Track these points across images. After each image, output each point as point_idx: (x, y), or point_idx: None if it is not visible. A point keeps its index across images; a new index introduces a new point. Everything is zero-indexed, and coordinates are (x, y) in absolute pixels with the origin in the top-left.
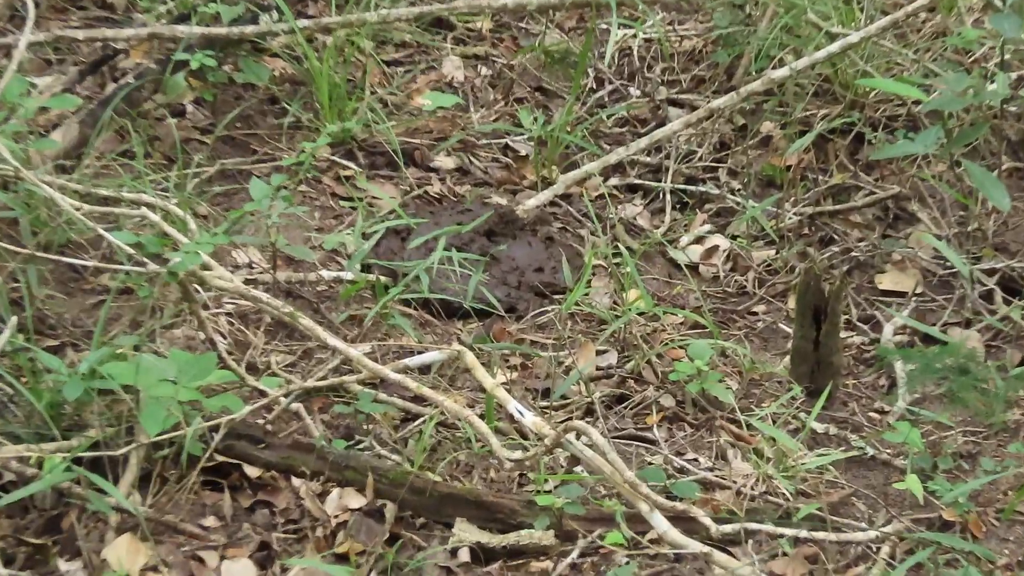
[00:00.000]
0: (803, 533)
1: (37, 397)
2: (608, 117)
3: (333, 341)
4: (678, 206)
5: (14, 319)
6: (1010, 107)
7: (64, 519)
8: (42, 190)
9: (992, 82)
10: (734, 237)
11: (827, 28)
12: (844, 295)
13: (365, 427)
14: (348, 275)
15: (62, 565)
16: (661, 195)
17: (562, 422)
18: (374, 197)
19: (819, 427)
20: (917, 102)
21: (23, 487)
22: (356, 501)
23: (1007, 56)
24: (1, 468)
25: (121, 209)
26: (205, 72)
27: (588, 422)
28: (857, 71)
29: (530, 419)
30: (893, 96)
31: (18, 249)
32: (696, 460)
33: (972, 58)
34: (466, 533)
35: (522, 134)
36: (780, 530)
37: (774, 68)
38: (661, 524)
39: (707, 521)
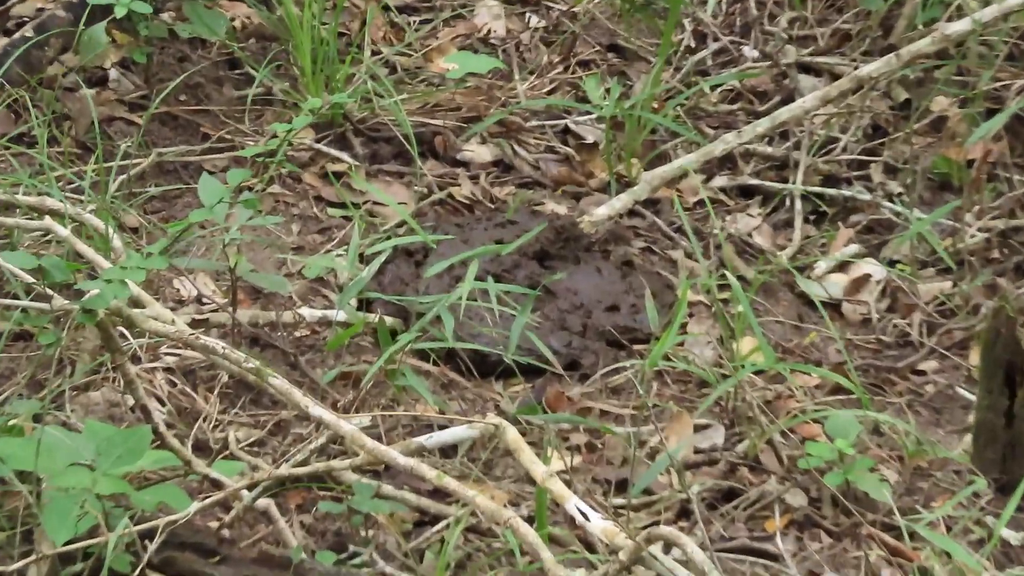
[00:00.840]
0: None
1: None
2: (712, 89)
3: (317, 410)
4: (812, 218)
5: None
6: None
7: None
8: None
9: None
10: (893, 263)
11: None
12: None
13: (363, 533)
14: (339, 315)
15: None
16: (788, 201)
17: (644, 528)
18: (377, 203)
19: (1014, 537)
20: None
21: None
22: None
23: None
24: None
25: (14, 220)
26: (136, 23)
27: (682, 528)
28: None
29: (598, 524)
30: None
31: None
32: None
33: None
34: None
35: (589, 113)
36: None
37: (949, 20)
38: None
39: None
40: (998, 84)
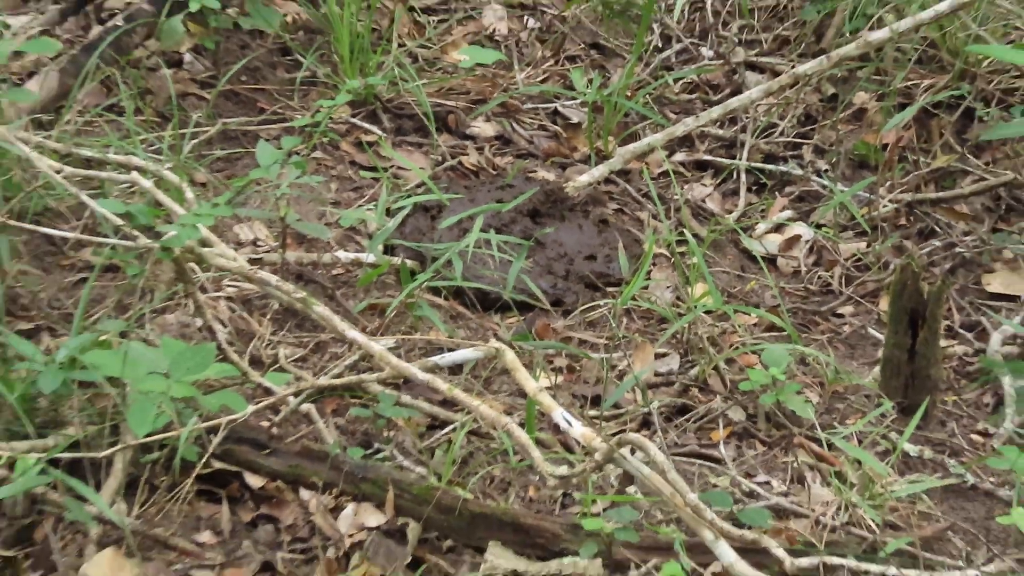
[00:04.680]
0: (891, 571)
1: (8, 388)
2: (675, 81)
3: (351, 333)
4: (754, 188)
5: None
6: None
7: (38, 529)
8: (16, 148)
9: None
10: (819, 226)
11: None
12: (946, 297)
13: (386, 434)
14: (369, 257)
15: None
16: (735, 174)
17: (615, 434)
18: (400, 167)
19: (912, 449)
20: None
21: None
22: (374, 519)
23: None
24: None
25: (107, 173)
26: (206, 16)
27: (645, 435)
28: (968, 35)
29: (578, 430)
30: (1010, 66)
31: None
32: (768, 483)
33: None
34: (500, 559)
35: (574, 98)
36: (865, 566)
37: (871, 29)
38: (727, 555)
39: (780, 554)
40: (909, 83)
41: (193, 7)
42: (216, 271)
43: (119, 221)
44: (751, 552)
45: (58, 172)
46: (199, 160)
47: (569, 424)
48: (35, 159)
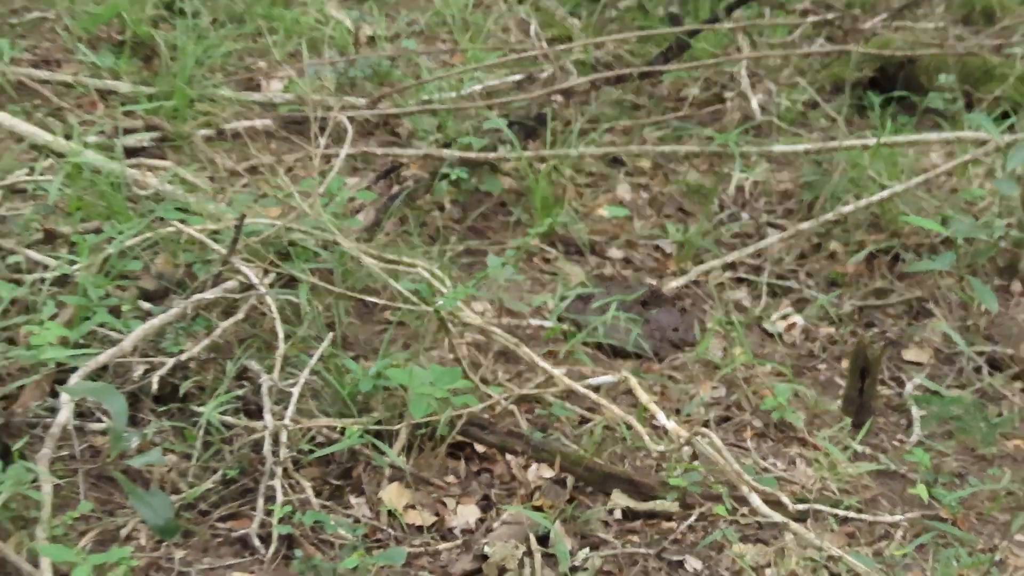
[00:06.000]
0: (850, 515)
1: (341, 388)
2: (727, 231)
3: (543, 364)
4: (771, 295)
5: (330, 335)
6: (1002, 243)
7: (355, 470)
8: (351, 251)
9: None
10: (808, 317)
11: (880, 181)
12: (881, 361)
13: (556, 424)
14: (549, 323)
15: (352, 500)
16: (760, 287)
17: (691, 430)
18: (567, 273)
19: (859, 448)
20: (938, 234)
21: (329, 446)
22: (548, 473)
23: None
24: (316, 433)
25: (402, 268)
26: (460, 182)
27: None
28: (899, 211)
29: (671, 425)
30: (921, 229)
31: (332, 289)
32: (775, 464)
33: (978, 208)
34: (619, 500)
35: (668, 239)
36: (832, 510)
37: (843, 205)
38: (756, 501)
39: (787, 501)
40: (863, 238)
41: (452, 177)
42: (462, 326)
43: (409, 295)
44: (769, 502)
45: (374, 266)
46: (453, 264)
47: (665, 421)
48: (362, 257)
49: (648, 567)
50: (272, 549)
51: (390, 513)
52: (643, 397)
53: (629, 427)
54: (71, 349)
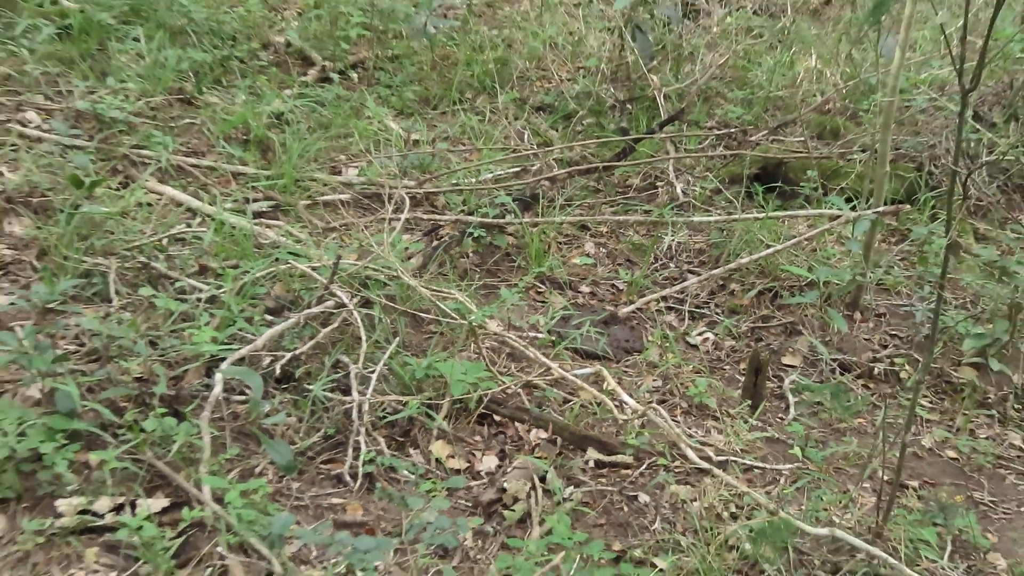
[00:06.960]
0: (750, 462)
1: (403, 375)
2: (660, 276)
3: (543, 359)
4: (691, 318)
5: (396, 340)
6: (850, 286)
7: (412, 431)
8: (409, 283)
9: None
10: (717, 334)
11: (766, 242)
12: (768, 364)
13: (548, 401)
14: (542, 335)
15: (411, 452)
16: (684, 313)
17: (644, 407)
18: (554, 302)
19: (755, 422)
20: (805, 278)
21: (395, 414)
22: (544, 435)
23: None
24: (387, 405)
25: (442, 295)
26: (479, 239)
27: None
28: (778, 262)
29: (632, 402)
30: (793, 275)
31: (396, 307)
32: (696, 432)
33: (832, 260)
34: (593, 454)
35: (621, 279)
36: (735, 459)
37: (740, 258)
38: (691, 454)
39: (711, 454)
40: (754, 280)
41: (475, 234)
42: (484, 335)
43: (449, 312)
44: (697, 453)
45: (425, 292)
46: (476, 293)
47: (628, 399)
48: (417, 287)
49: (613, 499)
50: (358, 483)
51: (437, 460)
52: (611, 383)
53: (599, 404)
54: (219, 346)
